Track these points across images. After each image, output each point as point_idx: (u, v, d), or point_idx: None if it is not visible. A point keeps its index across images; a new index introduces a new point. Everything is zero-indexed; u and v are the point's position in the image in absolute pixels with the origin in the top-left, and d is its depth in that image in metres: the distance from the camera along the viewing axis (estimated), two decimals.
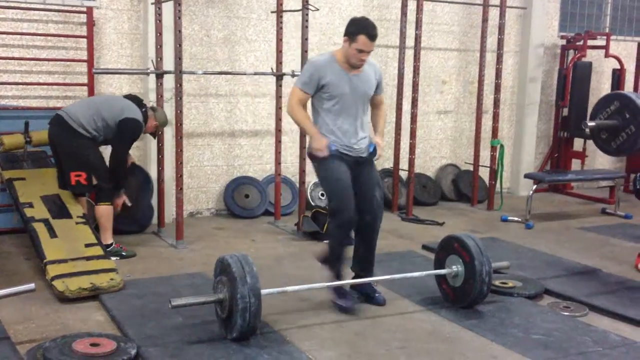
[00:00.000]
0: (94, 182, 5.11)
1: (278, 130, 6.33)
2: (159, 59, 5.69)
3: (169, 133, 6.02)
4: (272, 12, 6.36)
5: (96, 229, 5.15)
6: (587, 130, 5.18)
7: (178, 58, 5.40)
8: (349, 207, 3.96)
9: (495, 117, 7.50)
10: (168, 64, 5.74)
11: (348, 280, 4.28)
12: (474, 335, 3.82)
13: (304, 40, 5.99)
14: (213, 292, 3.68)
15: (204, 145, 6.73)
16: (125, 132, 5.14)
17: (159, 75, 5.73)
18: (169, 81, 5.81)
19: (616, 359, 3.53)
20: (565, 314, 4.23)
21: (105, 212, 5.15)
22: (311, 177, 6.36)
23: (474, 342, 3.74)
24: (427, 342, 3.72)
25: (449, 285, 4.24)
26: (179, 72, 5.43)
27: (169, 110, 5.83)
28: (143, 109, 5.27)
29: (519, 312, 4.19)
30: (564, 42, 8.20)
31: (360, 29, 4.01)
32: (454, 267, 4.17)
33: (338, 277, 4.19)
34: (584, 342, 3.73)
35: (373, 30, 4.04)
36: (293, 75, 6.15)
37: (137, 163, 5.96)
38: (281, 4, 6.12)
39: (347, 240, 4.17)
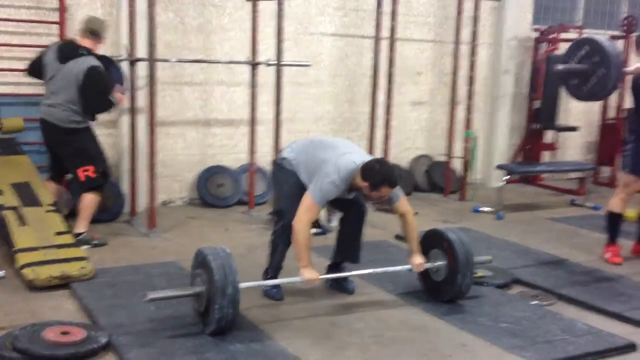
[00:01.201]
0: (102, 171, 5.11)
1: (253, 120, 6.32)
2: (132, 46, 5.64)
3: (142, 121, 5.98)
4: (247, 0, 6.33)
5: (69, 216, 5.11)
6: (558, 70, 5.19)
7: (152, 46, 5.35)
8: (293, 211, 3.95)
9: (469, 109, 7.57)
10: (141, 51, 5.69)
11: (332, 275, 4.28)
12: (445, 324, 3.87)
13: (280, 29, 5.98)
14: (190, 285, 3.67)
15: (177, 134, 6.69)
16: (92, 81, 4.93)
17: (132, 62, 5.67)
18: (142, 68, 5.76)
19: (582, 347, 3.61)
20: (534, 303, 4.31)
21: (91, 201, 5.12)
22: None
23: (444, 330, 3.80)
24: (398, 331, 3.76)
25: (431, 279, 4.26)
26: (152, 60, 5.39)
27: (142, 98, 5.79)
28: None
29: (489, 301, 4.25)
30: (537, 34, 8.27)
31: (383, 181, 3.80)
32: (437, 262, 4.17)
33: (277, 270, 4.22)
34: (551, 331, 3.80)
35: (393, 178, 3.86)
36: (268, 64, 6.14)
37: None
38: None
39: (289, 240, 4.13)
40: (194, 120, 6.75)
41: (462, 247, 4.10)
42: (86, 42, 5.06)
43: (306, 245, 3.86)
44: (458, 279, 4.05)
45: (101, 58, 5.09)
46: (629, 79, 5.28)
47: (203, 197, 6.72)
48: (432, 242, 4.24)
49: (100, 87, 4.98)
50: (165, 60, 5.98)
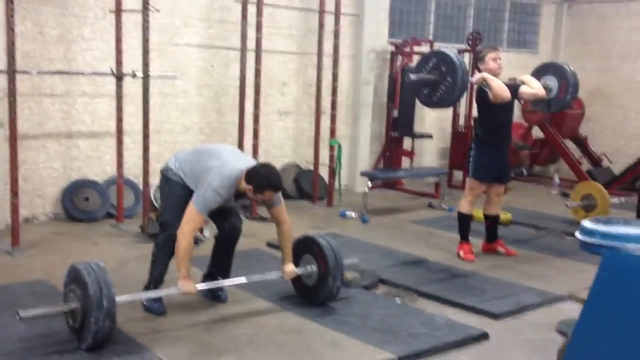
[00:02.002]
0: None
1: (119, 131, 6.24)
2: None
3: (0, 135, 5.73)
4: (110, 11, 6.25)
5: None
6: (411, 80, 5.67)
7: (11, 57, 5.17)
8: (177, 223, 4.01)
9: (333, 118, 7.90)
10: None
11: (209, 284, 4.34)
12: (317, 326, 4.08)
13: (145, 41, 5.96)
14: (64, 301, 3.62)
15: (38, 147, 6.46)
16: None
17: None
18: (1, 81, 5.53)
19: (441, 339, 3.95)
20: (398, 301, 4.63)
21: None
22: (154, 178, 6.33)
23: (317, 331, 4.00)
24: (274, 335, 3.92)
25: (303, 283, 4.44)
26: (12, 72, 5.20)
27: (1, 111, 5.56)
28: None
29: (357, 301, 4.52)
30: (393, 48, 8.78)
31: (267, 185, 3.90)
32: (309, 267, 4.36)
33: (158, 283, 4.23)
34: (413, 325, 4.12)
35: (278, 182, 3.97)
36: (134, 76, 6.10)
37: None
38: (120, 4, 6.04)
39: (172, 252, 4.17)
40: (56, 132, 6.54)
41: (332, 251, 4.33)
42: None
43: (187, 256, 3.87)
44: (329, 282, 4.28)
45: None
46: (475, 89, 5.80)
47: (69, 211, 6.52)
48: (304, 247, 4.44)
49: None
50: (26, 72, 5.78)
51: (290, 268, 4.29)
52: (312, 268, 4.35)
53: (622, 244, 3.32)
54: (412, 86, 5.92)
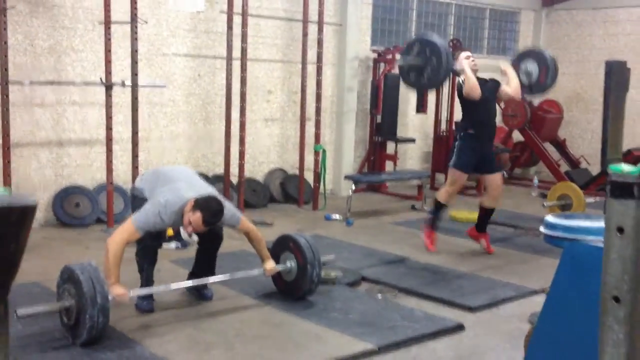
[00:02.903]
0: None
1: (109, 139, 6.43)
2: None
3: None
4: (99, 23, 6.45)
5: None
6: (400, 65, 5.90)
7: (4, 69, 5.36)
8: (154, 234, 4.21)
9: (318, 124, 8.12)
10: None
11: (188, 282, 4.54)
12: (301, 320, 4.29)
13: (134, 51, 6.17)
14: (57, 300, 3.80)
15: (30, 155, 6.64)
16: None
17: None
18: None
19: (419, 330, 4.16)
20: (379, 296, 4.85)
21: None
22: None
23: (301, 325, 4.21)
24: (260, 329, 4.12)
25: (283, 280, 4.65)
26: (5, 83, 5.39)
27: None
28: None
29: (340, 298, 4.73)
30: (375, 55, 9.03)
31: (203, 208, 3.99)
32: (288, 264, 4.57)
33: (148, 282, 4.40)
34: (393, 318, 4.33)
35: (212, 218, 4.03)
36: (123, 85, 6.29)
37: None
38: (108, 16, 6.23)
39: (154, 259, 4.41)
40: (47, 141, 6.72)
41: (308, 245, 4.57)
42: None
43: (115, 264, 3.92)
44: (308, 272, 4.50)
45: None
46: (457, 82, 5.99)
47: (60, 217, 6.70)
48: (282, 246, 4.69)
49: None
50: (19, 83, 5.96)
51: (270, 265, 4.50)
52: (292, 264, 4.57)
53: (582, 236, 3.54)
54: (400, 72, 6.11)
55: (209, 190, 4.29)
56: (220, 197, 4.22)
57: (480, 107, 5.81)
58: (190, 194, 4.08)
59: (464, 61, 5.71)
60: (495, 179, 6.05)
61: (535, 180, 9.63)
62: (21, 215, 0.84)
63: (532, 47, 7.80)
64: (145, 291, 4.29)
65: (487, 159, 6.03)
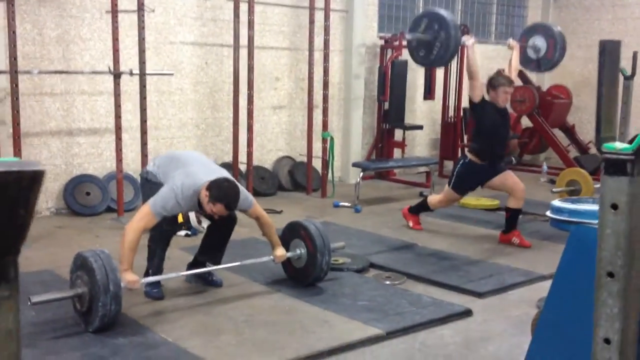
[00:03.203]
0: None
1: (118, 128, 6.46)
2: None
3: (3, 133, 5.96)
4: (107, 12, 6.47)
5: None
6: (406, 39, 5.81)
7: (13, 58, 5.39)
8: (170, 220, 4.23)
9: (325, 112, 8.12)
10: (0, 63, 5.69)
11: (194, 271, 4.58)
12: (310, 306, 4.32)
13: (141, 40, 6.18)
14: (71, 287, 3.85)
15: (40, 145, 6.69)
16: None
17: None
18: (2, 81, 5.75)
19: (426, 315, 4.19)
20: (387, 282, 4.88)
21: None
22: None
23: (310, 311, 4.24)
24: (269, 315, 4.16)
25: (293, 266, 4.68)
26: (14, 72, 5.42)
27: (3, 110, 5.78)
28: None
29: (348, 283, 4.76)
30: (382, 42, 9.01)
31: (222, 197, 4.00)
32: (298, 250, 4.60)
33: (157, 272, 4.40)
34: (400, 304, 4.36)
35: (234, 202, 4.05)
36: (131, 74, 6.32)
37: None
38: (116, 5, 6.25)
39: (167, 244, 4.43)
40: (57, 130, 6.77)
41: (318, 232, 4.58)
42: None
43: (131, 250, 3.93)
44: (318, 259, 4.52)
45: None
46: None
47: (70, 206, 6.76)
48: (292, 233, 4.70)
49: None
50: (28, 72, 6.00)
51: (280, 252, 4.53)
52: (301, 250, 4.58)
53: (588, 220, 3.55)
54: (409, 48, 6.00)
55: (223, 173, 4.29)
56: (233, 179, 4.24)
57: (494, 118, 5.75)
58: (204, 178, 4.10)
59: (466, 42, 5.70)
60: (509, 178, 5.94)
61: (544, 166, 9.61)
62: (31, 180, 0.87)
63: (538, 22, 7.72)
64: (156, 278, 4.33)
65: (497, 171, 5.91)
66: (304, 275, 4.63)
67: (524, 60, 6.47)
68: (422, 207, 6.36)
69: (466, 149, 6.00)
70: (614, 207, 1.27)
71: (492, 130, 5.77)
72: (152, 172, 4.42)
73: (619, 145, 1.24)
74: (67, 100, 6.80)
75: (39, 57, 6.52)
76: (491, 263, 5.40)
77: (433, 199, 6.21)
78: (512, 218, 5.99)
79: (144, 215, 4.01)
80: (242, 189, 4.32)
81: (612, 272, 1.30)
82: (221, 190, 4.01)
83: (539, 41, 6.30)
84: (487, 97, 5.75)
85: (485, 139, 5.80)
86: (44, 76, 6.52)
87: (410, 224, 6.38)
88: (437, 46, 5.62)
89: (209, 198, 4.01)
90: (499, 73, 5.79)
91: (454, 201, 6.21)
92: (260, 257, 4.64)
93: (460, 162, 5.97)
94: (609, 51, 8.17)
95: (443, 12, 5.60)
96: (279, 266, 4.75)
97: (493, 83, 5.73)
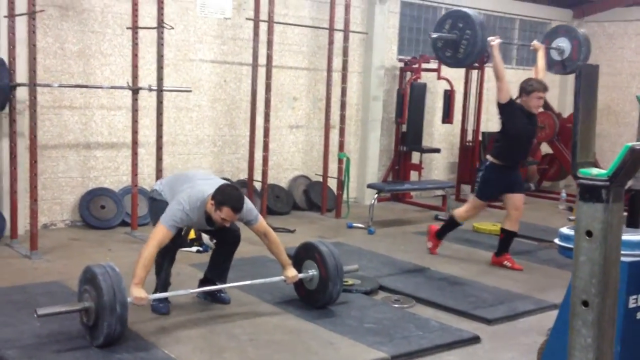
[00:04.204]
0: None
1: (135, 143, 6.51)
2: (12, 72, 5.71)
3: (21, 145, 6.04)
4: (127, 28, 6.56)
5: None
6: (432, 37, 5.66)
7: (32, 71, 5.47)
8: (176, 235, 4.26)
9: (342, 132, 8.12)
10: (21, 76, 5.78)
11: (201, 289, 4.58)
12: (316, 327, 4.28)
13: (160, 57, 6.25)
14: (78, 300, 3.86)
15: (58, 157, 6.76)
16: None
17: (13, 88, 5.74)
18: (22, 93, 5.84)
19: (433, 341, 4.13)
20: (395, 305, 4.82)
21: None
22: None
23: (315, 332, 4.20)
24: (273, 335, 4.13)
25: (305, 288, 4.64)
26: (33, 85, 5.50)
27: (22, 122, 5.86)
28: None
29: (356, 305, 4.72)
30: (401, 64, 9.01)
31: (226, 200, 4.08)
32: (310, 272, 4.56)
33: (165, 286, 4.45)
34: (408, 328, 4.31)
35: (238, 203, 4.11)
36: (150, 90, 6.38)
37: None
38: (136, 21, 6.33)
39: (173, 259, 4.47)
40: (75, 143, 6.84)
41: (332, 257, 4.53)
42: None
43: (143, 266, 3.99)
44: (329, 287, 4.47)
45: None
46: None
47: (85, 219, 6.80)
48: (305, 254, 4.65)
49: None
50: (47, 85, 6.09)
51: (292, 273, 4.49)
52: (313, 272, 4.54)
53: None
54: (434, 48, 5.85)
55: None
56: (236, 186, 4.30)
57: (521, 122, 5.74)
58: (210, 190, 4.17)
59: (492, 41, 5.76)
60: (515, 199, 5.94)
61: (563, 194, 9.50)
62: None
63: (561, 24, 7.61)
64: (164, 295, 4.33)
65: (514, 180, 5.95)
66: (314, 299, 4.59)
67: (549, 62, 6.42)
68: (449, 227, 6.27)
69: (487, 155, 5.99)
70: (589, 234, 1.24)
71: (516, 133, 5.74)
72: (157, 190, 4.52)
73: (594, 171, 1.21)
74: (86, 114, 6.88)
75: (60, 71, 6.61)
76: (503, 290, 5.32)
77: (458, 211, 6.13)
78: (506, 240, 6.04)
79: (157, 232, 4.09)
80: (248, 200, 4.35)
81: (586, 301, 1.27)
82: (225, 194, 4.09)
83: (563, 43, 6.21)
84: (514, 98, 5.77)
85: (509, 141, 5.78)
86: (64, 90, 6.61)
87: (430, 244, 6.33)
88: (463, 44, 5.52)
89: (215, 206, 4.09)
90: (531, 78, 5.78)
91: (479, 209, 6.10)
92: (272, 277, 4.61)
93: (483, 168, 5.98)
94: (585, 75, 8.04)
95: (467, 10, 5.50)
96: (290, 286, 4.71)
97: (527, 88, 5.71)
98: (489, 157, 5.96)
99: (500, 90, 5.70)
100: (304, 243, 4.75)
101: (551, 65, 6.48)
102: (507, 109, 5.74)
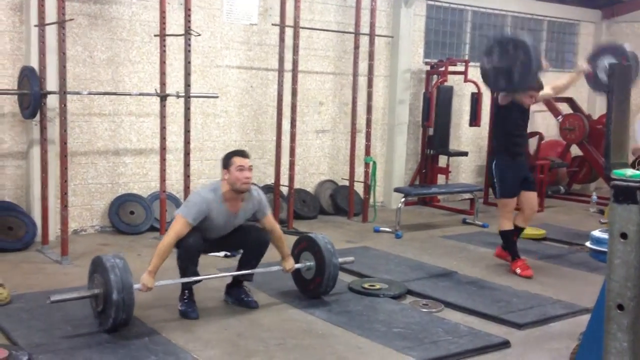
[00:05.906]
0: None
1: (163, 149, 6.57)
2: (42, 79, 5.81)
3: (52, 152, 6.13)
4: (155, 35, 6.63)
5: None
6: (485, 68, 5.49)
7: (62, 79, 5.55)
8: (189, 239, 4.32)
9: (368, 136, 8.11)
10: (51, 84, 5.87)
11: (224, 273, 4.63)
12: (344, 331, 4.27)
13: (187, 63, 6.30)
14: (88, 289, 4.09)
15: (87, 164, 6.85)
16: None
17: (43, 95, 5.84)
18: (52, 101, 5.93)
19: (462, 346, 4.09)
20: (424, 310, 4.79)
21: None
22: None
23: (343, 336, 4.19)
24: (302, 339, 4.13)
25: (303, 277, 4.87)
26: (63, 93, 5.58)
27: (52, 129, 5.96)
28: None
29: (384, 310, 4.70)
30: (428, 67, 8.97)
31: (229, 155, 4.47)
32: (307, 263, 4.80)
33: (190, 289, 4.52)
34: (436, 333, 4.27)
35: (240, 150, 4.61)
36: (178, 96, 6.43)
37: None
38: (164, 29, 6.40)
39: (196, 260, 4.48)
40: (104, 150, 6.93)
41: (327, 247, 4.78)
42: None
43: (161, 255, 4.19)
44: (325, 275, 4.72)
45: None
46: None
47: (115, 224, 6.88)
48: (302, 245, 4.96)
49: None
50: (77, 93, 6.19)
51: (290, 263, 4.77)
52: (310, 263, 4.80)
53: None
54: (487, 81, 5.70)
55: None
56: None
57: (512, 114, 5.76)
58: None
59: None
60: (532, 199, 5.93)
61: (594, 196, 9.36)
62: None
63: (607, 42, 7.40)
64: (171, 282, 4.42)
65: (528, 175, 5.97)
66: (311, 287, 4.84)
67: (597, 85, 6.29)
68: (509, 243, 5.92)
69: (494, 157, 5.99)
70: (624, 236, 1.21)
71: (513, 126, 5.80)
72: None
73: (629, 172, 1.18)
74: (115, 121, 6.96)
75: (89, 79, 6.70)
76: (533, 294, 5.25)
77: (500, 225, 5.93)
78: (513, 237, 5.96)
79: (174, 222, 4.32)
80: (262, 193, 4.70)
81: (621, 305, 1.24)
82: (226, 154, 4.48)
83: (610, 61, 6.00)
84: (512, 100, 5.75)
85: (508, 134, 5.82)
86: (93, 97, 6.70)
87: (518, 270, 5.77)
88: (517, 68, 5.32)
89: (226, 170, 4.35)
90: None
91: (512, 206, 5.90)
92: (269, 267, 4.82)
93: (492, 166, 5.95)
94: (618, 75, 7.86)
95: (515, 34, 5.40)
96: (284, 273, 4.88)
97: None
98: (496, 157, 5.95)
99: (504, 98, 5.70)
100: (303, 236, 5.09)
101: (601, 86, 6.21)
102: (505, 109, 5.76)
